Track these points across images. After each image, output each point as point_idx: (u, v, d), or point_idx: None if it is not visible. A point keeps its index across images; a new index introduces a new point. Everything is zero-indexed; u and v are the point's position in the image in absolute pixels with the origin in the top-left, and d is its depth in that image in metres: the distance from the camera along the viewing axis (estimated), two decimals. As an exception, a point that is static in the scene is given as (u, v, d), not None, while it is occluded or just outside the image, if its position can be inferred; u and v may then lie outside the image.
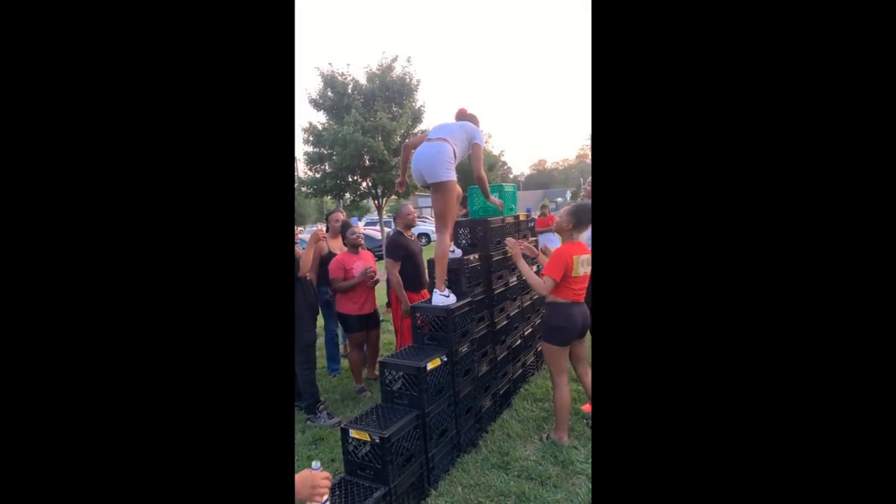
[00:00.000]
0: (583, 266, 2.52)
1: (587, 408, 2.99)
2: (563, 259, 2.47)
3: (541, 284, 2.55)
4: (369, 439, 1.95)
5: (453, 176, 2.55)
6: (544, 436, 2.70)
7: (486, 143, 19.77)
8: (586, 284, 2.60)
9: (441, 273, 2.62)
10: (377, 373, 3.76)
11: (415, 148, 2.69)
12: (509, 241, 2.86)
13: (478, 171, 2.68)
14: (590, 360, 2.78)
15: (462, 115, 2.86)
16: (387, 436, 1.93)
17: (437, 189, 2.56)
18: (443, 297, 2.58)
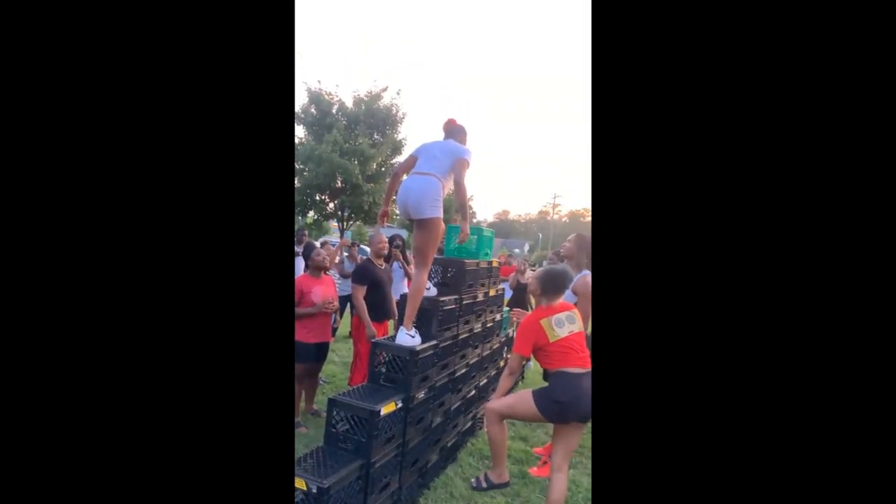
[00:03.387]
0: (560, 326, 2.19)
1: (537, 472, 2.83)
2: (527, 330, 2.20)
3: (509, 373, 2.32)
4: (305, 488, 1.72)
5: (439, 213, 2.44)
6: (480, 479, 2.45)
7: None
8: (582, 344, 2.23)
9: (412, 311, 2.46)
10: (315, 407, 3.52)
11: (405, 173, 2.57)
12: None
13: (459, 184, 2.49)
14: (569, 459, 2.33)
15: (450, 128, 2.67)
16: (326, 486, 1.71)
17: (421, 225, 2.45)
18: (409, 337, 2.40)
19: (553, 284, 2.29)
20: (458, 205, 2.64)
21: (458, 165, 2.49)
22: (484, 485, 2.41)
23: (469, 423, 3.25)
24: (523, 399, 2.22)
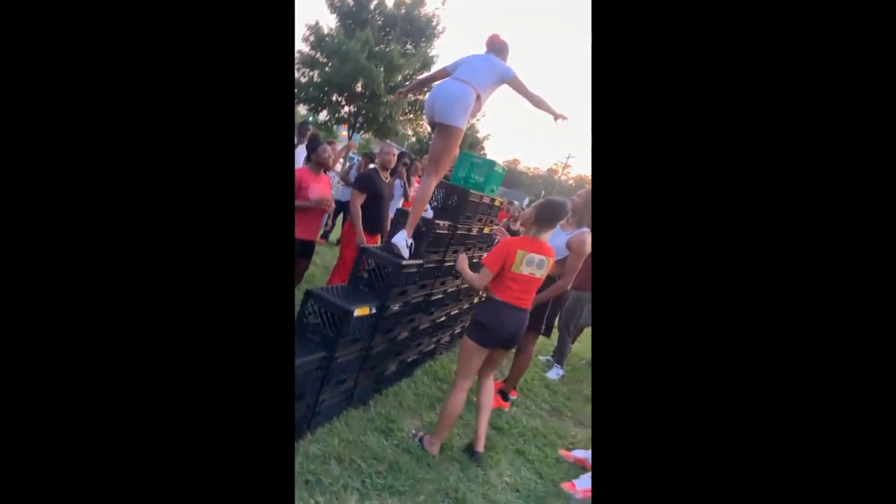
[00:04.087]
0: (529, 265, 2.18)
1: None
2: (503, 249, 2.17)
3: (475, 278, 2.28)
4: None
5: (464, 124, 2.38)
6: (418, 436, 2.37)
7: (477, 119, 19.40)
8: (532, 289, 2.28)
9: (414, 218, 2.45)
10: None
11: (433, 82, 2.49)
12: (460, 258, 2.46)
13: (530, 97, 2.44)
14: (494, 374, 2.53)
15: (494, 44, 2.55)
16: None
17: (443, 131, 2.39)
18: (404, 242, 2.41)
19: (549, 214, 2.23)
20: (545, 110, 2.55)
21: (514, 85, 2.43)
22: (416, 440, 2.34)
23: (432, 346, 3.38)
24: (462, 345, 2.33)
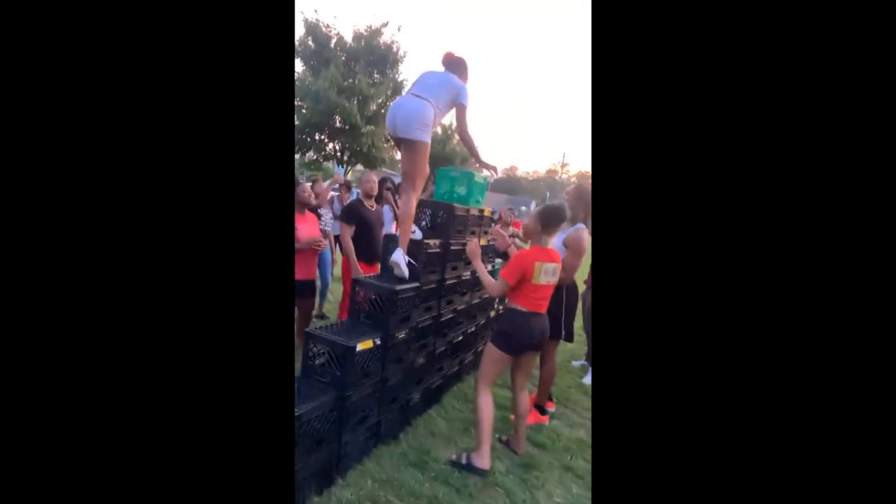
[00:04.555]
0: (546, 275, 2.26)
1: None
2: (522, 264, 2.23)
3: (493, 285, 2.34)
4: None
5: (427, 138, 2.37)
6: (462, 457, 2.32)
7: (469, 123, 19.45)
8: (549, 294, 2.34)
9: (404, 235, 2.44)
10: (299, 342, 3.56)
11: None
12: (472, 242, 2.52)
13: (463, 132, 2.56)
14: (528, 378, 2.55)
15: (449, 61, 2.57)
16: (298, 413, 1.72)
17: (409, 147, 2.37)
18: (404, 259, 2.42)
19: (553, 218, 2.29)
20: (469, 152, 2.69)
21: (457, 111, 2.49)
22: (463, 462, 2.29)
23: (456, 368, 3.29)
24: (487, 352, 2.36)
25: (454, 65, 2.56)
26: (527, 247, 2.46)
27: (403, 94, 2.48)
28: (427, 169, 2.49)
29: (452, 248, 2.82)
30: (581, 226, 2.76)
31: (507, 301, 2.38)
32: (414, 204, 2.48)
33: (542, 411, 3.02)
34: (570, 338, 2.90)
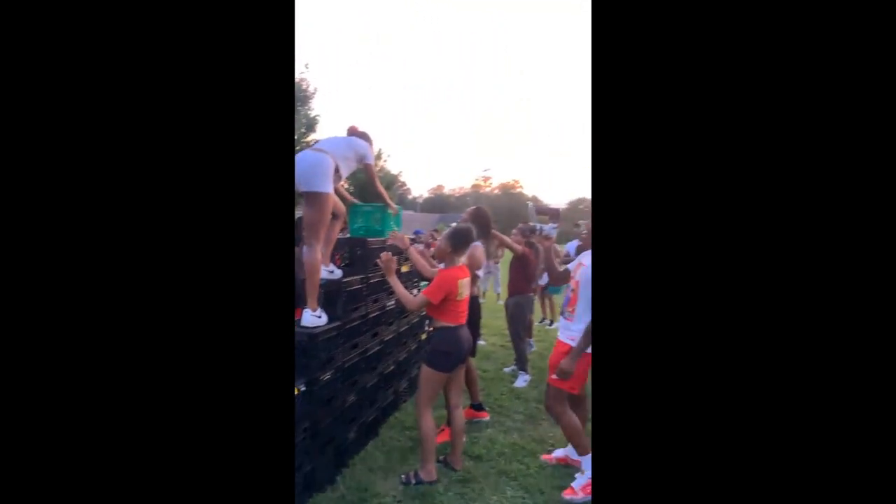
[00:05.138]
0: (465, 289, 2.50)
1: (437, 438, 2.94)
2: (446, 284, 2.42)
3: (411, 300, 2.54)
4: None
5: (329, 188, 2.43)
6: (410, 476, 2.47)
7: (384, 161, 19.75)
8: (466, 306, 2.58)
9: (312, 289, 2.42)
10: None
11: None
12: (384, 255, 2.55)
13: (375, 187, 2.79)
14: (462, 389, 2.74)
15: (353, 133, 2.80)
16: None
17: (310, 199, 2.42)
18: (314, 318, 2.38)
19: (461, 240, 2.53)
20: (377, 198, 2.96)
21: (366, 169, 2.76)
22: (413, 481, 2.45)
23: (390, 398, 3.30)
24: (424, 375, 2.50)
25: (357, 135, 2.78)
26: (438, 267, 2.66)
27: (317, 129, 2.58)
28: (328, 218, 2.52)
29: (372, 281, 2.88)
30: (476, 243, 3.02)
31: (435, 321, 2.54)
32: (318, 256, 2.45)
33: (480, 408, 3.32)
34: (472, 352, 3.11)
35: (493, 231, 3.60)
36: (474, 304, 3.07)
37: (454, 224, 2.88)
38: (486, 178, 56.12)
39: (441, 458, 2.67)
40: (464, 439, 2.69)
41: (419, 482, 2.43)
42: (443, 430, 2.89)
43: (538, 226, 3.04)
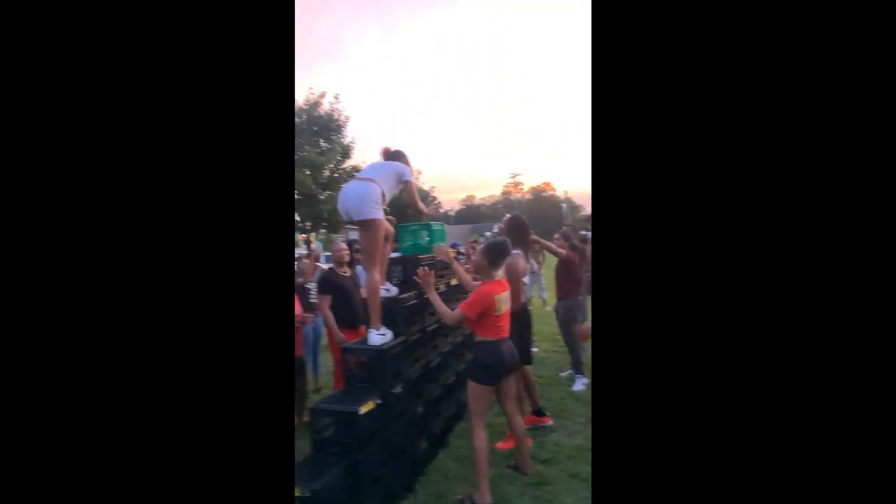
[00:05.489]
0: (503, 304, 2.48)
1: (503, 445, 2.99)
2: (483, 300, 2.42)
3: (451, 316, 2.50)
4: (300, 494, 1.83)
5: (380, 214, 2.58)
6: (465, 498, 2.44)
7: (416, 178, 20.08)
8: (508, 319, 2.56)
9: (374, 310, 2.57)
10: (307, 419, 3.60)
11: None
12: (420, 271, 2.60)
13: (414, 204, 2.86)
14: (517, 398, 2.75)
15: (388, 154, 2.89)
16: (318, 488, 1.83)
17: (364, 227, 2.58)
18: (379, 336, 2.53)
19: (497, 254, 2.53)
20: (417, 213, 3.01)
21: (406, 188, 2.77)
22: (468, 503, 2.43)
23: (454, 409, 3.40)
24: (471, 391, 2.49)
25: (393, 155, 2.87)
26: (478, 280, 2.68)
27: (352, 154, 2.71)
28: (382, 242, 2.67)
29: (426, 295, 3.00)
30: (517, 252, 3.05)
31: (476, 336, 2.55)
32: (377, 278, 2.62)
33: (541, 413, 3.31)
34: (527, 360, 3.16)
35: (533, 237, 3.64)
36: (524, 314, 3.12)
37: (487, 234, 2.93)
38: (517, 184, 55.94)
39: (511, 463, 2.73)
40: (529, 443, 2.70)
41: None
42: (508, 437, 2.96)
43: (588, 234, 3.07)
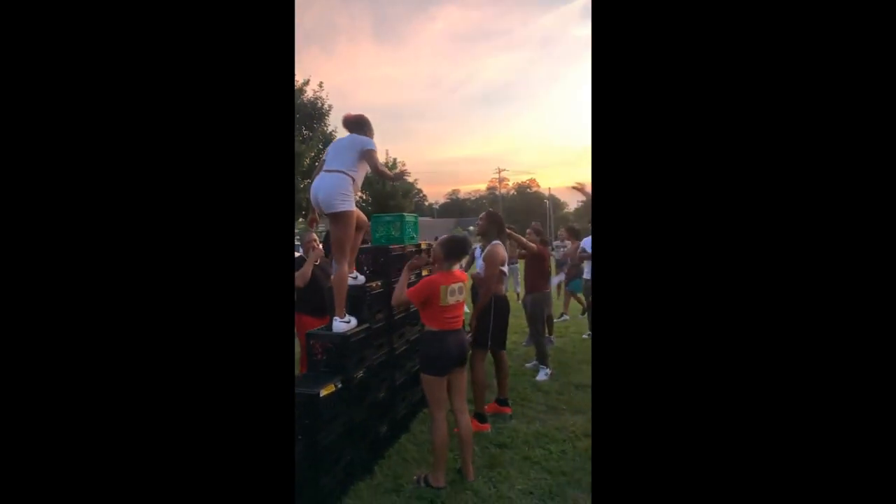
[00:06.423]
0: (452, 295, 2.50)
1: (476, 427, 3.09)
2: (427, 288, 2.45)
3: (396, 296, 2.55)
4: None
5: (351, 206, 2.63)
6: (420, 478, 2.53)
7: (400, 168, 20.01)
8: (460, 311, 2.58)
9: (339, 300, 2.65)
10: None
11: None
12: (416, 258, 2.77)
13: (377, 171, 2.72)
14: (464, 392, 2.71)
15: (349, 122, 2.80)
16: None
17: (336, 219, 2.64)
18: (343, 324, 2.61)
19: (455, 250, 2.58)
20: (382, 177, 2.92)
21: (367, 157, 2.67)
22: (421, 484, 2.51)
23: (419, 395, 3.50)
24: (423, 381, 2.54)
25: (352, 123, 2.79)
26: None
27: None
28: (353, 233, 2.71)
29: (394, 284, 3.10)
30: (496, 242, 3.21)
31: (423, 326, 2.59)
32: (345, 269, 2.68)
33: (482, 419, 3.22)
34: (501, 345, 3.30)
35: (509, 231, 3.77)
36: (501, 301, 3.26)
37: (471, 228, 3.04)
38: (502, 179, 56.37)
39: (422, 475, 2.57)
40: (470, 453, 2.61)
41: (427, 486, 2.48)
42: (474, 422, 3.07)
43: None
